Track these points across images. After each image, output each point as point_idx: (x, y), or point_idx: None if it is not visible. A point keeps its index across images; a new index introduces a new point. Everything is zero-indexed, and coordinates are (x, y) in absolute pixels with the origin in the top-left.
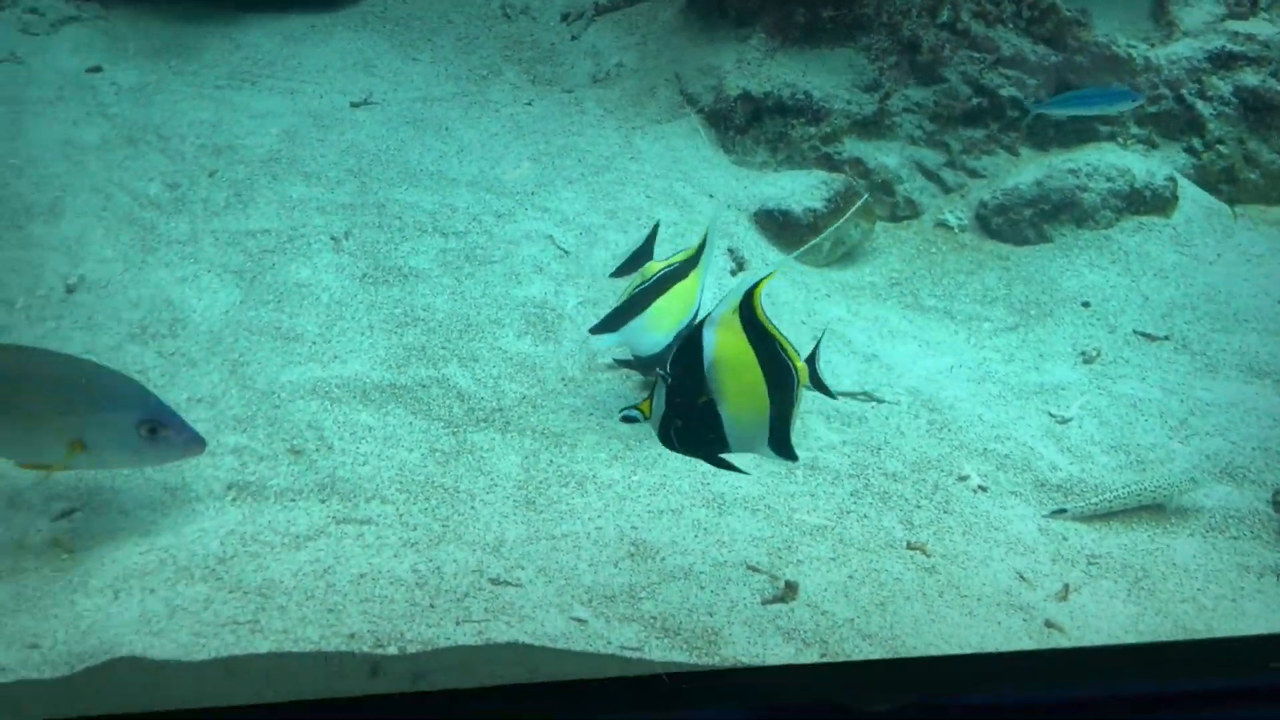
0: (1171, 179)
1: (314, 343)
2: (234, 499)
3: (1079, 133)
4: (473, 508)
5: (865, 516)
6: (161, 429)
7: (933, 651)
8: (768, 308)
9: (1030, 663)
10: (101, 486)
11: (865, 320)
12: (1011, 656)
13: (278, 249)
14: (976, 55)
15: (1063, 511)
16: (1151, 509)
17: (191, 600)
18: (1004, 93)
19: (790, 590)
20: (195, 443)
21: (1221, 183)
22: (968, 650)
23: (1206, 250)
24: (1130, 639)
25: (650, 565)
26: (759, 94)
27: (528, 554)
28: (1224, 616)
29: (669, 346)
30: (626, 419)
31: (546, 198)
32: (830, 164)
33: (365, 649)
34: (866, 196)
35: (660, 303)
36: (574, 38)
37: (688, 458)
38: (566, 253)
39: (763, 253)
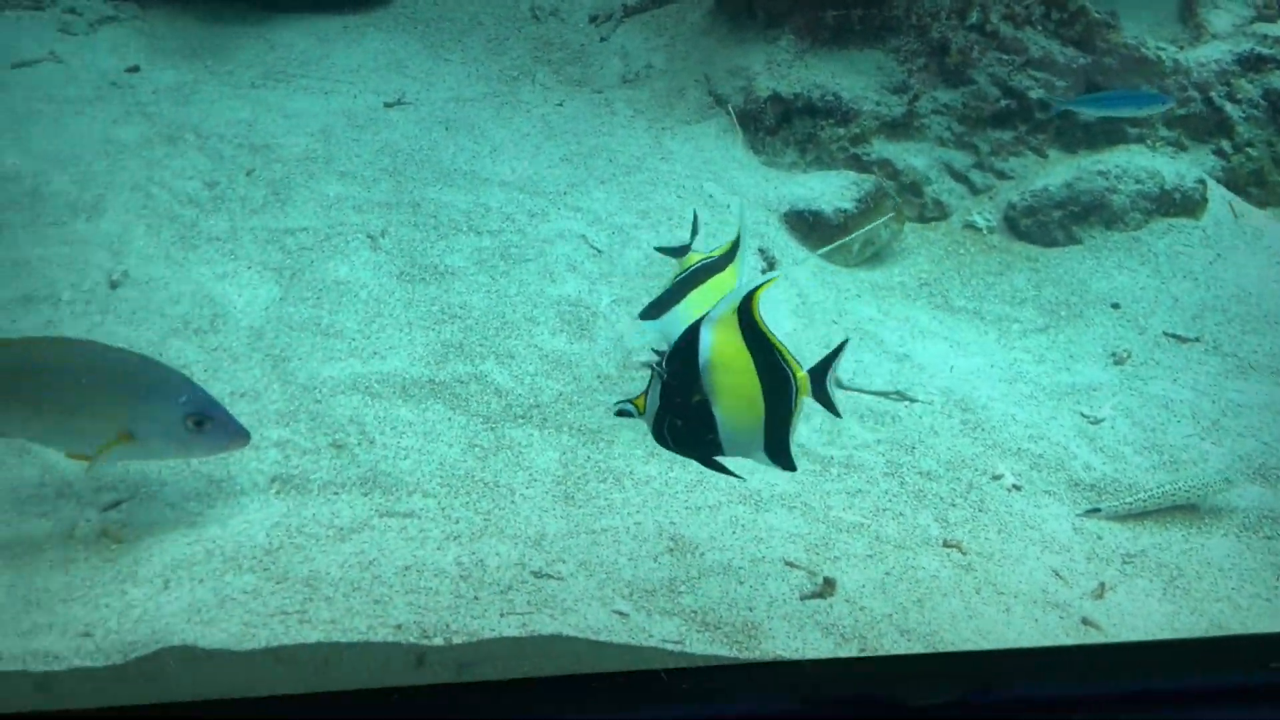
0: (1201, 181)
1: (354, 339)
2: (278, 491)
3: (1107, 134)
4: (513, 502)
5: (901, 514)
6: (208, 421)
7: (970, 648)
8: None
9: (1075, 657)
10: (148, 478)
11: (896, 320)
12: (1057, 651)
13: (315, 247)
14: (1005, 57)
15: (1097, 511)
16: (1185, 509)
17: (240, 590)
18: (1033, 95)
19: (828, 586)
20: (240, 435)
21: (1251, 185)
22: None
23: (1236, 252)
24: (1167, 637)
25: (689, 560)
26: (789, 95)
27: (568, 548)
28: (1258, 616)
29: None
30: (621, 413)
31: (579, 197)
32: (859, 165)
33: (411, 640)
34: (896, 200)
35: (694, 295)
36: (603, 39)
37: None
38: (599, 252)
39: (793, 253)
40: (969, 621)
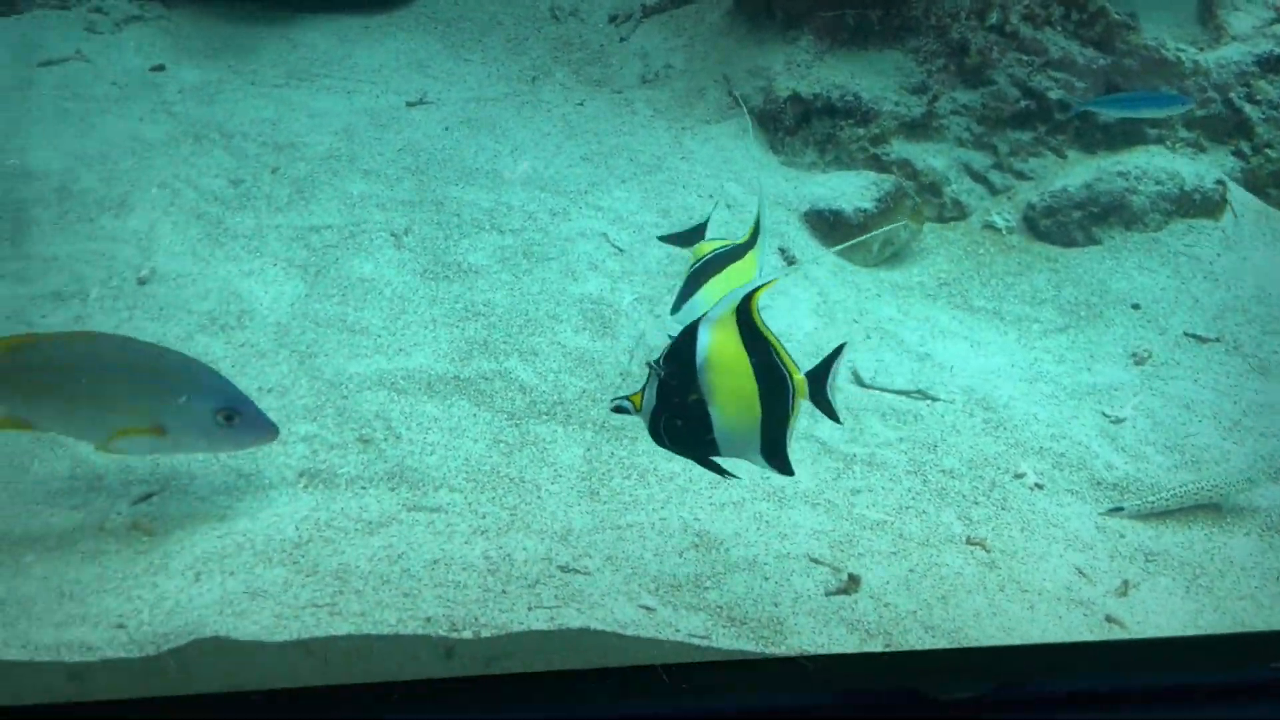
0: (1221, 182)
1: (379, 335)
2: (306, 486)
3: (1126, 135)
4: (539, 497)
5: (924, 512)
6: (238, 416)
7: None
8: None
9: (1102, 652)
10: (178, 471)
11: (916, 320)
12: (1085, 646)
13: (340, 244)
14: (1025, 58)
15: (1119, 509)
16: (1208, 508)
17: (271, 583)
18: (1052, 95)
19: (853, 582)
20: (270, 430)
21: (1270, 186)
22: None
23: (1256, 253)
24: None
25: (714, 556)
26: (808, 95)
27: (594, 543)
28: None
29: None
30: (618, 409)
31: (600, 196)
32: (878, 165)
33: (441, 633)
34: (916, 200)
35: (710, 285)
36: (622, 39)
37: None
38: (621, 250)
39: (813, 252)
40: (993, 619)
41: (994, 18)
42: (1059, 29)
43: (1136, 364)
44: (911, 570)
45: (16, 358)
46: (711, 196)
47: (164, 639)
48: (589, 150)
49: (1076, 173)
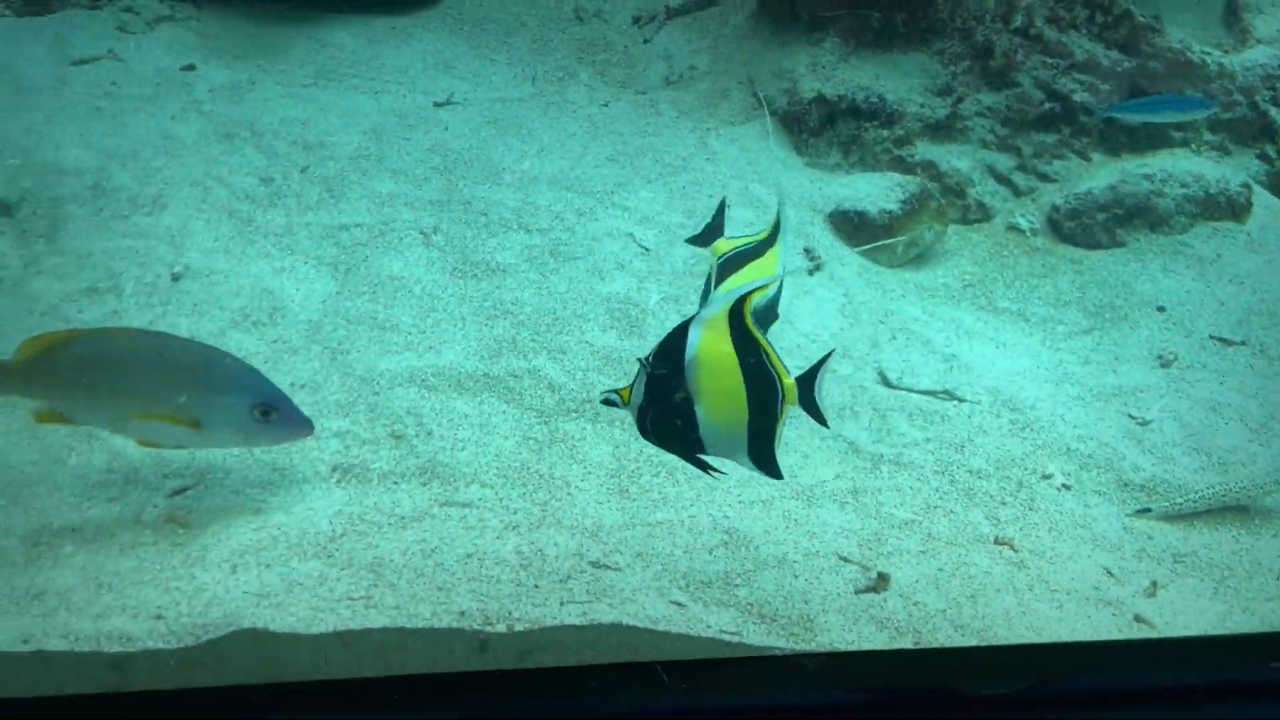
0: (1246, 185)
1: (409, 333)
2: (339, 480)
3: (1151, 138)
4: (569, 494)
5: (952, 512)
6: (273, 411)
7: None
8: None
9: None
10: (213, 466)
11: (941, 321)
12: (1118, 645)
13: (370, 242)
14: (1049, 60)
15: (1147, 511)
16: (1235, 510)
17: (306, 576)
18: (1076, 98)
19: (882, 581)
20: (305, 425)
21: None
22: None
23: None
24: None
25: (744, 553)
26: (833, 97)
27: (625, 539)
28: None
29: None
30: (606, 402)
31: (626, 196)
32: (903, 166)
33: (475, 626)
34: (940, 201)
35: (729, 283)
36: (646, 41)
37: None
38: (647, 250)
39: (838, 253)
40: (1022, 618)
41: (1019, 20)
42: (1084, 32)
43: (1162, 366)
44: (940, 569)
45: (56, 353)
46: (724, 196)
47: (203, 630)
48: (615, 151)
49: (1101, 175)
